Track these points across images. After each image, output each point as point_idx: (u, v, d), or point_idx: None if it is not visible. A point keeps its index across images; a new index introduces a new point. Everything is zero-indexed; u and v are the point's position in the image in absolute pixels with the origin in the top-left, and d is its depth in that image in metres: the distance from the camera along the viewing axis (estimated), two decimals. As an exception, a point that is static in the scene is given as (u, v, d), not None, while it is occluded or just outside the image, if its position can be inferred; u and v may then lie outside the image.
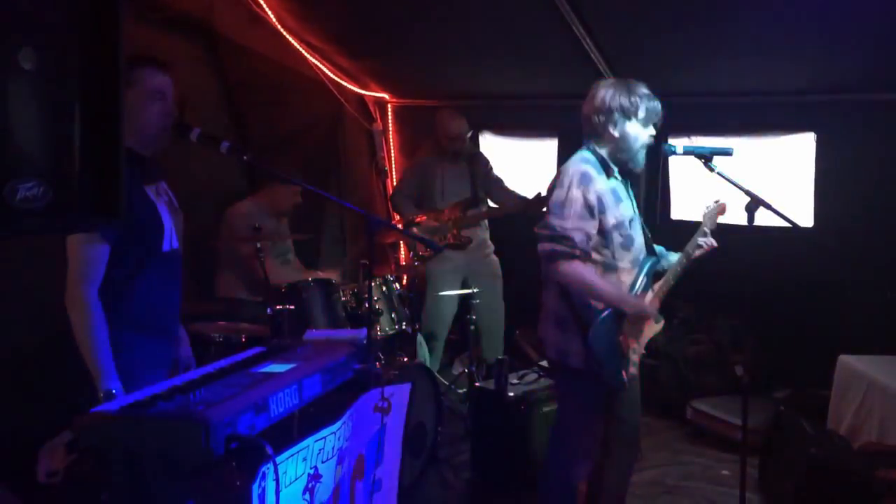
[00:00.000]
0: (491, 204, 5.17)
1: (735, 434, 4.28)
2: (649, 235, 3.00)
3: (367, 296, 4.03)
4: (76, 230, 2.10)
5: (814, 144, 4.80)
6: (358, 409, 2.33)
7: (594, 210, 2.74)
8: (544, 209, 2.89)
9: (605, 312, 2.75)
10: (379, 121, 6.26)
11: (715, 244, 2.93)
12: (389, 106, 6.30)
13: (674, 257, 2.97)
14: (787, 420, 3.83)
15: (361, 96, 6.07)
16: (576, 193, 2.73)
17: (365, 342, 2.66)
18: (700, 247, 2.92)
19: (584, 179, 2.75)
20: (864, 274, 4.74)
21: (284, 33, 4.92)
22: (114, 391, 2.12)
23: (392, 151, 6.39)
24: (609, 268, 2.81)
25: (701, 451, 4.37)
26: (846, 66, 4.34)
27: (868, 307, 4.73)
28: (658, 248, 3.05)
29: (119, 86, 1.38)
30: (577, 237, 2.71)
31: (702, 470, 4.13)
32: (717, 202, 2.98)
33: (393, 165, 6.38)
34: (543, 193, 4.73)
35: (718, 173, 2.77)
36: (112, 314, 2.22)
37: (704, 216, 2.97)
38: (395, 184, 6.08)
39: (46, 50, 1.24)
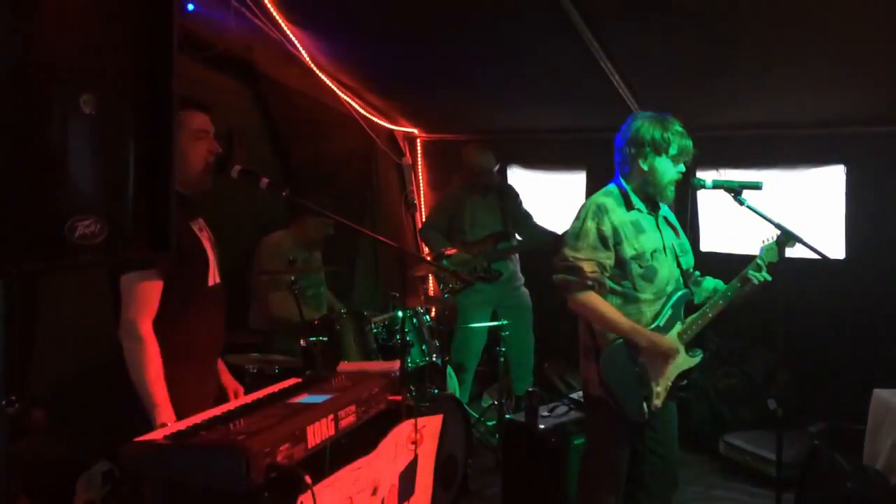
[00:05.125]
0: (519, 238, 5.21)
1: (769, 469, 4.24)
2: (684, 267, 2.99)
3: (398, 328, 4.07)
4: (130, 265, 2.17)
5: (844, 177, 4.79)
6: (391, 441, 2.36)
7: (608, 241, 2.78)
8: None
9: (617, 342, 2.77)
10: (408, 155, 6.35)
11: (769, 279, 2.84)
12: (418, 140, 6.40)
13: (721, 289, 2.94)
14: (821, 455, 3.78)
15: (391, 131, 6.17)
16: (589, 225, 2.79)
17: (397, 374, 2.69)
18: (749, 280, 2.85)
19: (600, 211, 2.80)
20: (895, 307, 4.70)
21: (317, 71, 5.04)
22: (169, 424, 2.16)
23: (421, 185, 6.48)
24: (630, 299, 2.82)
25: (734, 486, 4.32)
26: (876, 99, 4.35)
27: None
28: (713, 281, 3.03)
29: (172, 125, 1.45)
30: (589, 268, 2.75)
31: (735, 504, 4.09)
32: (779, 235, 2.86)
33: (422, 199, 6.46)
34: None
35: (748, 206, 2.79)
36: (161, 348, 2.28)
37: (762, 249, 2.90)
38: (424, 217, 6.16)
39: (106, 95, 1.31)
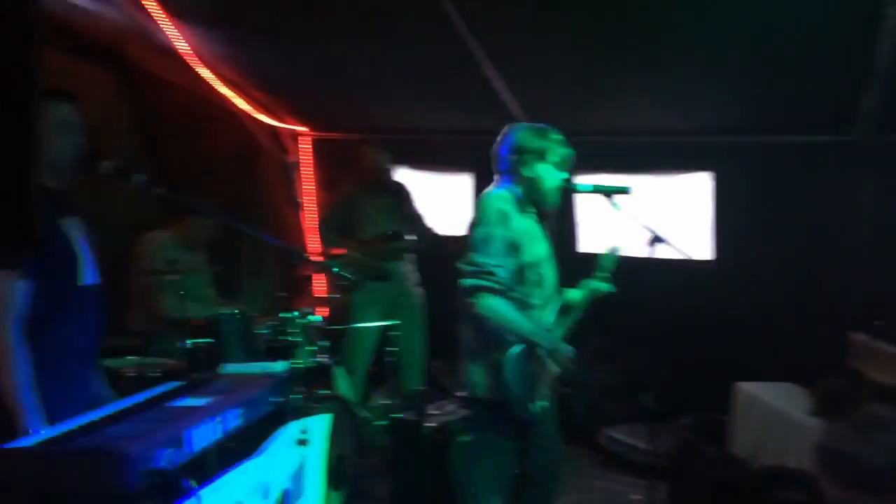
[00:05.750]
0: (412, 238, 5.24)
1: (645, 459, 4.45)
2: (558, 274, 3.12)
3: (284, 328, 4.02)
4: None
5: (712, 183, 5.09)
6: (279, 443, 2.33)
7: (513, 247, 2.84)
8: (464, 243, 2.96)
9: (518, 345, 2.84)
10: (294, 153, 6.26)
11: (608, 290, 3.04)
12: (305, 138, 6.31)
13: (575, 295, 3.09)
14: (691, 445, 4.01)
15: (276, 128, 6.06)
16: (496, 231, 2.83)
17: (284, 375, 2.66)
18: (595, 291, 3.05)
19: (505, 217, 2.85)
20: (761, 304, 5.03)
21: (194, 64, 4.88)
22: (38, 431, 2.06)
23: (309, 184, 6.39)
24: (524, 304, 2.90)
25: (614, 478, 4.50)
26: (742, 109, 4.65)
27: (764, 336, 5.01)
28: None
29: (33, 120, 1.39)
30: (500, 273, 2.80)
31: (614, 495, 4.26)
32: (613, 248, 3.08)
33: (311, 198, 6.38)
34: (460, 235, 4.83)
35: (620, 210, 2.92)
36: (31, 351, 2.17)
37: (600, 259, 3.09)
38: (312, 216, 6.10)
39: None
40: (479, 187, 5.62)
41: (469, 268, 2.83)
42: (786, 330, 4.93)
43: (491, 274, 2.80)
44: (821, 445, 3.44)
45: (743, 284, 5.04)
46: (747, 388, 4.63)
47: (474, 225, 2.89)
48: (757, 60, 4.06)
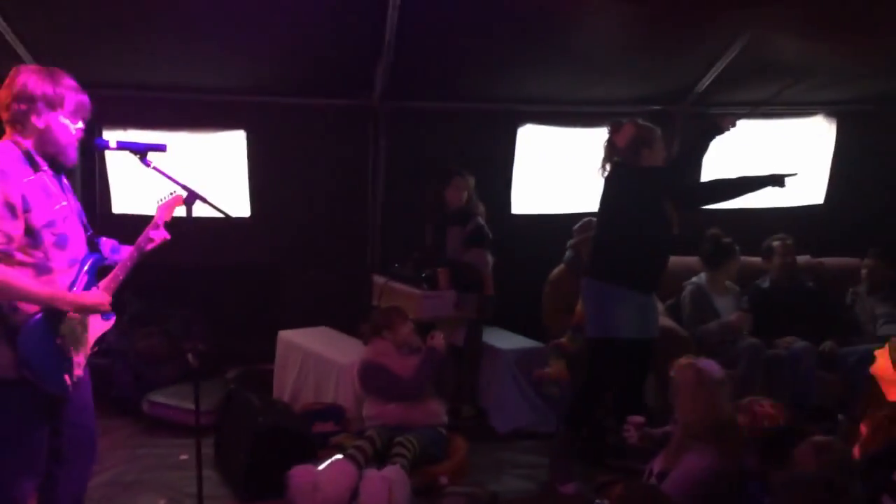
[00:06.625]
0: None
1: (191, 419, 4.44)
2: (91, 231, 2.91)
3: None
4: None
5: (245, 141, 5.22)
6: None
7: (16, 209, 2.56)
8: None
9: (38, 315, 2.61)
10: None
11: (167, 236, 2.96)
12: None
13: (125, 251, 2.93)
14: (236, 396, 4.14)
15: None
16: None
17: None
18: (152, 240, 2.92)
19: (4, 175, 2.54)
20: (298, 257, 5.39)
21: None
22: None
23: None
24: (42, 269, 2.66)
25: (158, 442, 4.38)
26: (272, 72, 4.86)
27: (299, 286, 5.39)
28: (108, 243, 2.98)
29: None
30: None
31: (160, 459, 4.16)
32: (172, 194, 2.97)
33: None
34: None
35: (154, 168, 2.83)
36: None
37: (158, 209, 2.97)
38: None
39: None
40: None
41: None
42: (321, 278, 5.37)
43: None
44: (362, 365, 3.88)
45: (280, 239, 5.33)
46: (287, 335, 4.94)
47: None
48: (285, 26, 4.25)
